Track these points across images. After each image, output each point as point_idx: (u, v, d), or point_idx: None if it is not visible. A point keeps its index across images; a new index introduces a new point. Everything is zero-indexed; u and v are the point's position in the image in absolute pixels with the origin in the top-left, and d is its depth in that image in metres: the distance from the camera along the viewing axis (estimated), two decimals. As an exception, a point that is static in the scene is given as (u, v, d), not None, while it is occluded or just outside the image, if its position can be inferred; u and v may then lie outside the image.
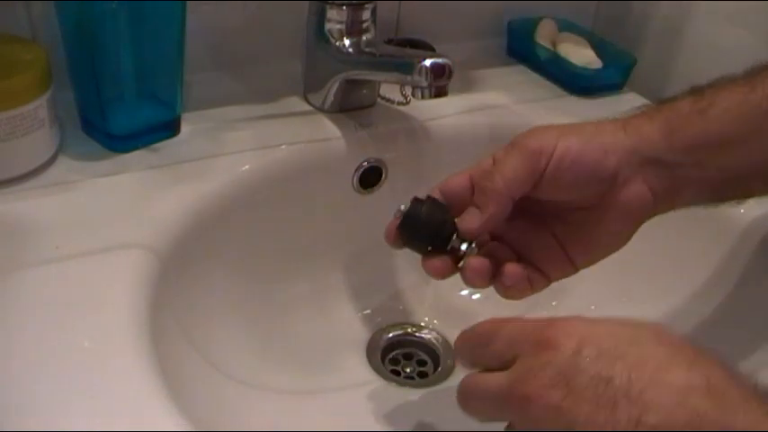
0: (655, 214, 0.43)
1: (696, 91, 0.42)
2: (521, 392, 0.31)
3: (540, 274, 0.44)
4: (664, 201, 0.42)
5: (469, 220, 0.42)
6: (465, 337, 0.37)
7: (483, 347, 0.35)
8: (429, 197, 0.44)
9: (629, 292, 0.59)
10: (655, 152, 0.41)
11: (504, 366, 0.33)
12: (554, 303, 0.61)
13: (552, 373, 0.30)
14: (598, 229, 0.43)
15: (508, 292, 0.43)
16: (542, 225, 0.44)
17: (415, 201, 0.43)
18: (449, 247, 0.43)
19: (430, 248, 0.43)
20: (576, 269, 0.44)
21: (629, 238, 0.43)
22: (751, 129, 0.40)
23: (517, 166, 0.40)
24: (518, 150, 0.41)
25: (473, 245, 0.43)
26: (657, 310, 0.58)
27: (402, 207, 0.43)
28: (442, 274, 0.43)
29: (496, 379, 0.33)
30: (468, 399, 0.35)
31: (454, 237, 0.43)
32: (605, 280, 0.60)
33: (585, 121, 0.43)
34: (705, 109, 0.41)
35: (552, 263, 0.44)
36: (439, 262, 0.43)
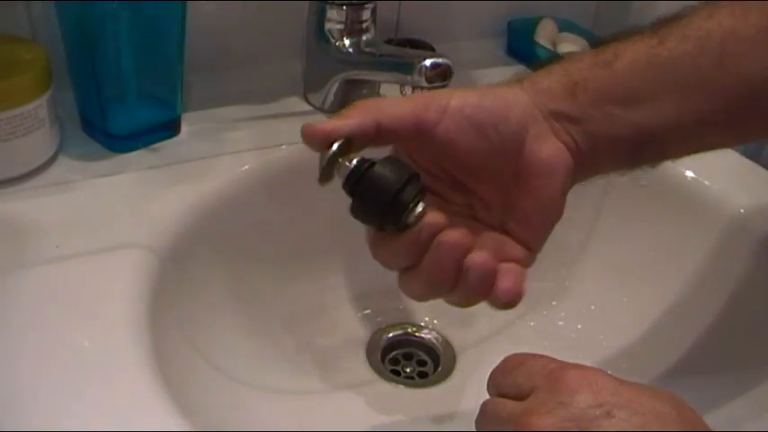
0: (578, 178, 0.40)
1: (598, 43, 0.40)
2: (529, 424, 0.31)
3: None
4: (582, 161, 0.39)
5: (322, 124, 0.37)
6: (496, 367, 0.37)
7: (505, 376, 0.35)
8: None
9: (628, 293, 0.59)
10: (557, 105, 0.38)
11: (520, 397, 0.33)
12: (554, 303, 0.61)
13: (565, 414, 0.30)
14: (525, 198, 0.39)
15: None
16: (472, 213, 0.41)
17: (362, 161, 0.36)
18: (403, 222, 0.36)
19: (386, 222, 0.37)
20: (529, 249, 0.40)
21: (560, 205, 0.40)
22: (661, 83, 0.38)
23: (399, 104, 0.38)
24: (408, 97, 0.39)
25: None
26: (657, 309, 0.58)
27: (334, 147, 0.36)
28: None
29: (510, 406, 0.33)
30: (481, 419, 0.35)
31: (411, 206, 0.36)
32: (605, 280, 0.61)
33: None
34: (610, 61, 0.38)
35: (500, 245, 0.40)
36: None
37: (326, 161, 0.36)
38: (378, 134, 0.37)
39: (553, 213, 0.40)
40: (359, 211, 0.37)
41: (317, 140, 0.36)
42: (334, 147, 0.36)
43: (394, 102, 0.38)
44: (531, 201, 0.39)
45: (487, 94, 0.38)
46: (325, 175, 0.37)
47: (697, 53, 0.37)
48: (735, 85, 0.38)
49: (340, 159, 0.36)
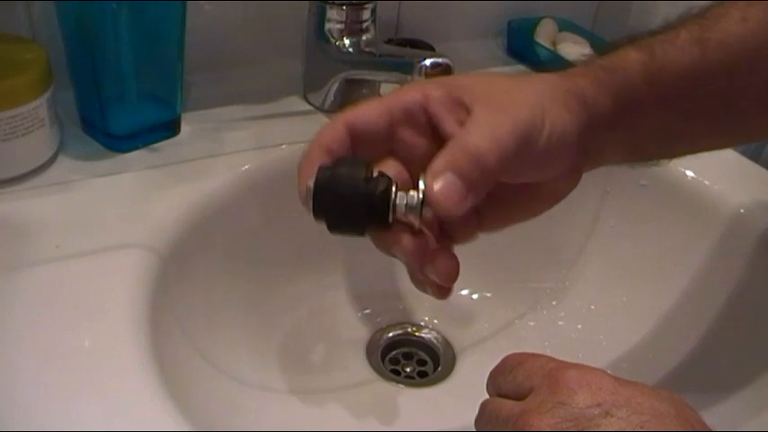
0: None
1: (642, 48, 0.39)
2: (528, 423, 0.31)
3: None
4: (594, 164, 0.40)
5: (447, 190, 0.33)
6: (495, 366, 0.37)
7: (505, 376, 0.35)
8: (338, 160, 0.35)
9: (628, 293, 0.59)
10: (601, 118, 0.38)
11: (519, 396, 0.33)
12: (554, 303, 0.61)
13: (564, 414, 0.30)
14: (514, 206, 0.39)
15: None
16: None
17: (322, 169, 0.35)
18: (391, 218, 0.35)
19: (369, 224, 0.35)
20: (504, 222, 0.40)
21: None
22: (698, 95, 0.38)
23: (511, 135, 0.34)
24: (504, 116, 0.35)
25: (418, 198, 0.34)
26: (657, 309, 0.58)
27: (309, 183, 0.34)
28: (420, 253, 0.37)
29: (509, 406, 0.33)
30: (480, 419, 0.35)
31: (393, 189, 0.34)
32: (605, 280, 0.61)
33: (525, 79, 0.38)
34: (656, 76, 0.38)
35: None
36: (407, 240, 0.36)
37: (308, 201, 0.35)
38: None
39: (531, 214, 0.40)
40: (336, 228, 0.36)
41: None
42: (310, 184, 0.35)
43: (499, 132, 0.35)
44: (517, 209, 0.40)
45: (563, 114, 0.37)
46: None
47: (733, 62, 0.38)
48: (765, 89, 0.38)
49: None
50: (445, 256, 0.37)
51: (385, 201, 0.34)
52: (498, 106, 0.35)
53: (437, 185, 0.33)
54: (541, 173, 0.38)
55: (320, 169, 0.35)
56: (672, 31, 0.39)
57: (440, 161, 0.34)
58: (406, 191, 0.35)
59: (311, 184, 0.34)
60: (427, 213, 0.34)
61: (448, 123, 0.36)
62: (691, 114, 0.39)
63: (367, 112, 0.37)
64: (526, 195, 0.39)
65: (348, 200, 0.34)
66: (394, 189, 0.35)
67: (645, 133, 0.40)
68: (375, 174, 0.35)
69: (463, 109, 0.36)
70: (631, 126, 0.39)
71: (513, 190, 0.38)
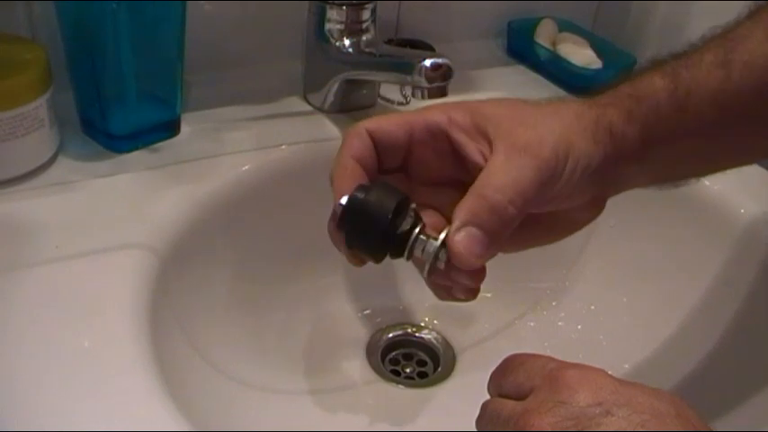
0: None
1: (668, 74, 0.38)
2: (529, 423, 0.31)
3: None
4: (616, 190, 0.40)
5: (468, 244, 0.34)
6: (496, 367, 0.37)
7: (506, 377, 0.35)
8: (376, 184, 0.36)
9: (628, 293, 0.59)
10: (629, 149, 0.38)
11: (520, 396, 0.33)
12: (554, 303, 0.61)
13: (565, 413, 0.30)
14: (537, 231, 0.39)
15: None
16: None
17: (357, 190, 0.35)
18: (407, 256, 0.36)
19: (386, 255, 0.36)
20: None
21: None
22: (725, 117, 0.38)
23: (533, 181, 0.34)
24: (528, 157, 0.35)
25: (439, 242, 0.35)
26: (657, 310, 0.58)
27: (342, 201, 0.35)
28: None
29: (510, 406, 0.33)
30: (482, 420, 0.35)
31: (414, 232, 0.35)
32: (605, 280, 0.61)
33: (550, 108, 0.38)
34: (683, 103, 0.38)
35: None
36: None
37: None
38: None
39: (550, 240, 0.40)
40: (356, 245, 0.36)
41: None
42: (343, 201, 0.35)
43: (524, 179, 0.35)
44: (536, 234, 0.39)
45: (589, 147, 0.37)
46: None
47: (760, 83, 0.37)
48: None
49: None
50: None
51: (404, 241, 0.35)
52: (521, 146, 0.35)
53: (458, 237, 0.34)
54: (561, 204, 0.38)
55: (357, 189, 0.35)
56: (696, 54, 0.39)
57: (462, 213, 0.34)
58: (429, 235, 0.35)
59: (344, 202, 0.35)
60: (441, 261, 0.35)
61: (470, 151, 0.36)
62: (718, 137, 0.39)
63: (389, 124, 0.37)
64: (545, 224, 0.39)
65: (371, 231, 0.35)
66: (416, 231, 0.35)
67: (672, 160, 0.39)
68: (409, 209, 0.36)
69: (485, 140, 0.36)
70: (660, 155, 0.39)
71: (532, 218, 0.38)
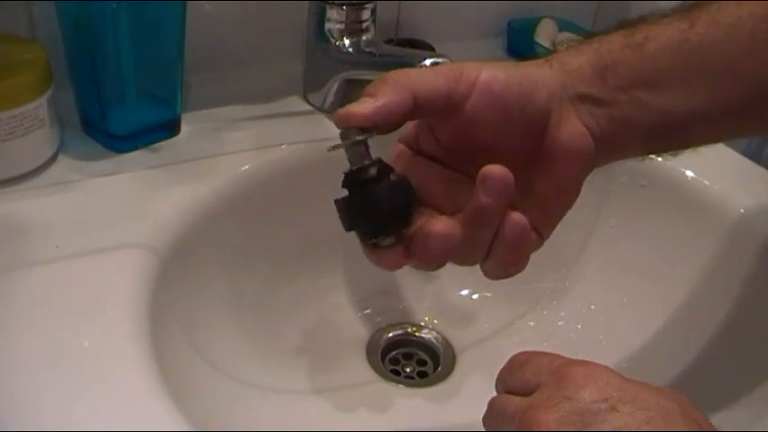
0: (598, 163, 0.39)
1: (627, 24, 0.39)
2: (535, 418, 0.31)
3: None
4: (604, 146, 0.39)
5: (359, 106, 0.35)
6: (504, 365, 0.37)
7: (513, 374, 0.35)
8: (383, 168, 0.36)
9: (628, 293, 0.59)
10: (587, 88, 0.38)
11: (526, 393, 0.33)
12: (554, 303, 0.61)
13: (570, 408, 0.30)
14: (543, 181, 0.38)
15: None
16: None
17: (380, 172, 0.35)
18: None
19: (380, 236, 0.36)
20: (539, 234, 0.40)
21: (577, 189, 0.39)
22: (691, 69, 0.37)
23: (433, 77, 0.36)
24: (436, 69, 0.37)
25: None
26: (657, 309, 0.58)
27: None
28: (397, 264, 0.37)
29: (516, 402, 0.33)
30: (489, 416, 0.35)
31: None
32: (605, 280, 0.61)
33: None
34: (641, 44, 0.38)
35: None
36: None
37: (350, 148, 0.35)
38: (412, 111, 0.36)
39: (569, 198, 0.39)
40: (346, 215, 0.36)
41: (355, 125, 0.35)
42: (360, 137, 0.35)
43: (426, 76, 0.37)
44: (548, 184, 0.38)
45: (515, 72, 0.37)
46: (340, 148, 0.36)
47: (728, 40, 0.37)
48: (765, 74, 0.37)
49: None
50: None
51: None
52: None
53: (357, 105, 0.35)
54: (499, 126, 0.37)
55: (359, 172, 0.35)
56: (658, 15, 0.39)
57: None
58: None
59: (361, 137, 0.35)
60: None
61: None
62: (689, 92, 0.38)
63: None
64: (534, 171, 0.38)
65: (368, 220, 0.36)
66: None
67: (643, 117, 0.38)
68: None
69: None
70: (613, 82, 0.38)
71: (517, 167, 0.37)
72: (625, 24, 0.39)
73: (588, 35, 0.40)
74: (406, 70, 0.36)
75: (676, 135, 0.39)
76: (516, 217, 0.36)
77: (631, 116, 0.38)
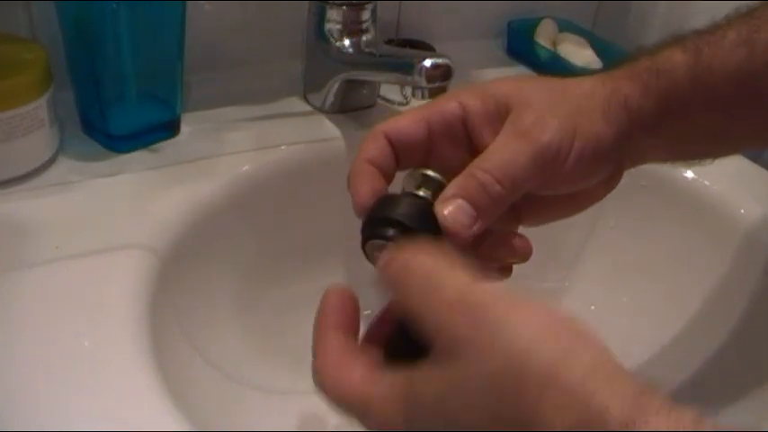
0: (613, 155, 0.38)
1: (689, 49, 0.38)
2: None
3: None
4: (634, 155, 0.39)
5: (455, 212, 0.34)
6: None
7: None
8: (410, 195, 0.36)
9: (628, 293, 0.60)
10: (644, 122, 0.38)
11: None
12: (554, 303, 0.61)
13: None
14: (552, 205, 0.40)
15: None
16: None
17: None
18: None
19: None
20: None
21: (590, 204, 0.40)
22: (744, 96, 0.38)
23: (526, 165, 0.34)
24: (526, 141, 0.35)
25: None
26: (657, 309, 0.58)
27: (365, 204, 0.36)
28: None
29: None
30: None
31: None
32: (605, 280, 0.61)
33: (559, 89, 0.38)
34: (702, 78, 0.37)
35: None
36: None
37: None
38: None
39: (570, 214, 0.40)
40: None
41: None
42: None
43: (519, 163, 0.35)
44: (556, 209, 0.39)
45: (602, 129, 0.37)
46: None
47: None
48: None
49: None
50: (518, 237, 0.38)
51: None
52: (523, 130, 0.35)
53: (446, 210, 0.34)
54: (575, 185, 0.38)
55: (380, 201, 0.36)
56: (719, 31, 0.38)
57: (452, 187, 0.34)
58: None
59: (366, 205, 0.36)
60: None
61: (486, 135, 0.36)
62: (736, 116, 0.39)
63: (405, 123, 0.37)
64: (563, 200, 0.39)
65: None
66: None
67: (689, 135, 0.39)
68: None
69: (499, 122, 0.36)
70: (676, 129, 0.38)
71: (550, 196, 0.39)
72: (687, 48, 0.38)
73: (652, 56, 0.39)
74: (499, 162, 0.35)
75: (703, 148, 0.41)
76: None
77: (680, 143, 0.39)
